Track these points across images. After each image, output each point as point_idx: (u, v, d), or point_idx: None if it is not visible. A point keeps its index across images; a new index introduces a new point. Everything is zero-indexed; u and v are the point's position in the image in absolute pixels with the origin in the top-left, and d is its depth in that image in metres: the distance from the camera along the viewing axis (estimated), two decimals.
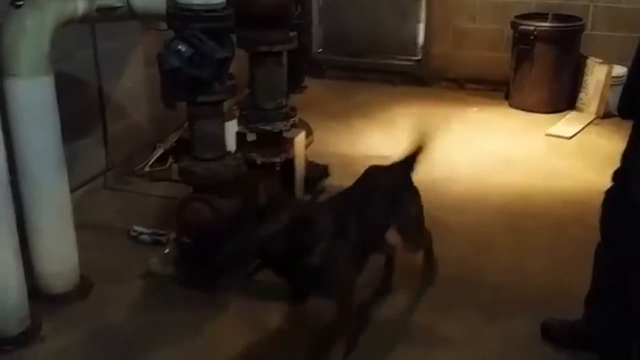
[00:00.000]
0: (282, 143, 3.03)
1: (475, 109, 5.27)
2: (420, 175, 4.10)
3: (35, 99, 2.47)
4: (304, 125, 3.52)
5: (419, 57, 5.83)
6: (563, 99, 5.15)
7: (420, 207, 2.74)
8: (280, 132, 3.00)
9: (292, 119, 2.96)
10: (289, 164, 3.10)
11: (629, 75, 2.16)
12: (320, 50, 6.05)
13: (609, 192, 2.28)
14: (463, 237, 3.35)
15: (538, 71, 5.07)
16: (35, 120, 2.50)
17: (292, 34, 2.92)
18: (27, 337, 2.53)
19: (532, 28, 4.97)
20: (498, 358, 2.51)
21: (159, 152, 4.03)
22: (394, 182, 2.66)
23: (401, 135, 4.59)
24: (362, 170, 3.78)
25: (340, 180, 3.77)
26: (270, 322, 2.65)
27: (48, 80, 2.49)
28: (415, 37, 5.86)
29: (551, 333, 2.54)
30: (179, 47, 2.32)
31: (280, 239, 2.01)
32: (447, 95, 5.53)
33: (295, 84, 5.51)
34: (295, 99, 5.22)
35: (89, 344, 2.58)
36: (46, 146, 2.56)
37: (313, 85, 5.74)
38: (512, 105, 5.27)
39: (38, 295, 2.70)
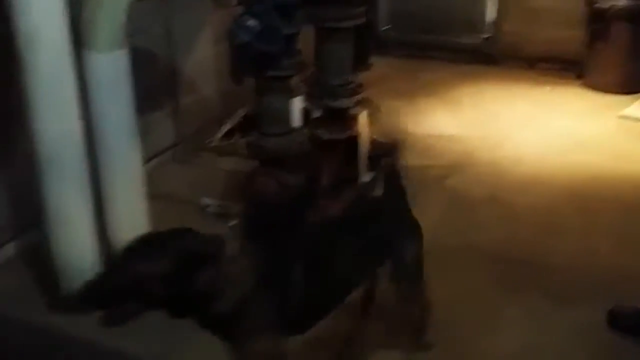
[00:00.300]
0: (347, 119, 3.05)
1: (548, 88, 5.13)
2: (487, 155, 4.09)
3: (111, 71, 2.57)
4: (369, 103, 3.51)
5: (488, 35, 5.70)
6: (638, 80, 4.95)
7: (419, 249, 2.21)
8: (346, 108, 3.01)
9: (357, 96, 2.96)
10: (354, 140, 3.12)
11: None
12: (386, 27, 5.99)
13: None
14: (529, 219, 3.31)
15: (612, 51, 4.88)
16: (110, 92, 2.60)
17: (359, 9, 2.92)
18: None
19: (607, 6, 4.80)
20: (561, 344, 2.47)
21: (226, 127, 4.12)
22: (377, 214, 2.16)
23: (467, 115, 4.62)
24: (426, 149, 3.78)
25: (405, 158, 3.78)
26: None
27: (123, 53, 2.58)
28: (484, 14, 5.72)
29: (619, 320, 2.48)
30: (249, 22, 2.37)
31: (163, 280, 1.61)
32: (516, 74, 5.39)
33: (361, 62, 5.48)
34: (360, 77, 5.24)
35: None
36: (121, 118, 2.66)
37: (378, 63, 5.65)
38: (584, 86, 5.11)
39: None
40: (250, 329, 1.76)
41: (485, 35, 5.71)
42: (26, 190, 2.66)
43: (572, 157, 3.97)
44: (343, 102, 2.94)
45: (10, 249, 2.94)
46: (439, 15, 5.83)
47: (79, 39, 2.48)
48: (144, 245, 1.71)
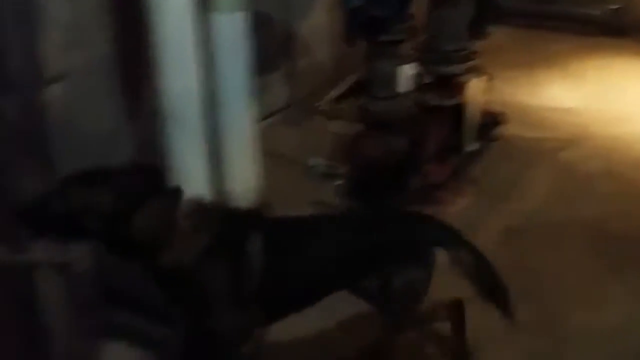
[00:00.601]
0: (457, 86, 3.04)
1: None
2: (606, 130, 3.92)
3: (231, 32, 2.69)
4: (482, 72, 3.47)
5: (617, 5, 5.38)
6: None
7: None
8: (457, 75, 3.00)
9: (470, 63, 2.94)
10: (463, 107, 3.11)
11: None
12: None
13: None
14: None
15: None
16: (230, 52, 2.73)
17: None
18: None
19: None
20: None
21: (337, 92, 4.20)
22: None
23: (588, 89, 4.43)
24: (541, 122, 3.67)
25: (515, 129, 3.71)
26: None
27: (244, 15, 2.71)
28: None
29: None
30: None
31: (101, 214, 1.49)
32: None
33: (477, 31, 5.37)
34: (475, 45, 5.14)
35: None
36: (239, 77, 2.80)
37: (496, 33, 5.50)
38: None
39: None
40: (199, 295, 1.60)
41: (615, 6, 5.40)
42: (149, 145, 2.87)
43: None
44: (454, 69, 2.93)
45: None
46: None
47: (203, 1, 2.63)
48: (89, 175, 1.57)
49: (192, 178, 2.77)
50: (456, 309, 2.05)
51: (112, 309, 2.32)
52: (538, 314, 2.45)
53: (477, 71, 3.22)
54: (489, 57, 4.77)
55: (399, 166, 2.78)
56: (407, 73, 3.00)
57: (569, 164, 3.52)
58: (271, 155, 3.51)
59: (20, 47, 1.86)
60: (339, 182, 3.22)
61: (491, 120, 3.50)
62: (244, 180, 3.03)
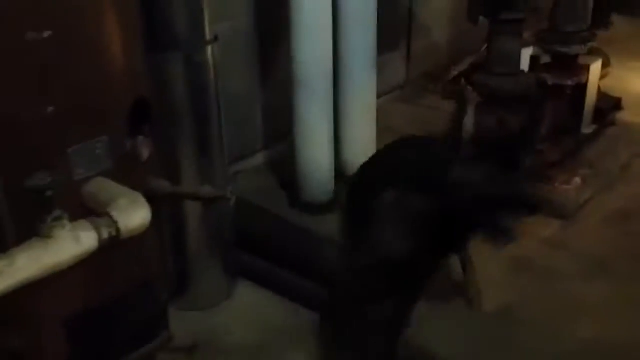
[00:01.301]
0: (576, 67, 3.09)
1: None
2: None
3: (361, 6, 2.91)
4: (602, 56, 3.49)
5: None
6: None
7: None
8: (576, 56, 3.06)
9: (589, 44, 2.99)
10: (581, 89, 3.15)
11: None
12: None
13: None
14: None
15: None
16: (358, 25, 2.95)
17: None
18: (330, 206, 3.07)
19: None
20: None
21: (454, 73, 4.31)
22: None
23: None
24: None
25: (633, 116, 3.70)
26: None
27: None
28: None
29: None
30: None
31: None
32: None
33: (601, 20, 5.29)
34: (599, 37, 5.06)
35: None
36: (365, 49, 3.01)
37: (621, 23, 5.42)
38: None
39: (340, 178, 3.23)
40: None
41: None
42: (277, 109, 3.13)
43: None
44: (573, 49, 2.98)
45: (260, 157, 3.48)
46: None
47: None
48: None
49: (317, 142, 3.02)
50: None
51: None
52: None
53: (596, 55, 3.25)
54: (612, 46, 4.75)
55: (514, 143, 2.87)
56: (525, 59, 3.09)
57: None
58: (386, 129, 3.71)
59: (185, 13, 2.15)
60: None
61: (608, 105, 3.52)
62: (361, 149, 3.24)
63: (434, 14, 4.18)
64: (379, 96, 3.83)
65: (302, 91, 2.91)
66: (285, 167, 3.22)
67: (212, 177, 2.26)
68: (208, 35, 2.21)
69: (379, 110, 3.75)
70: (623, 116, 3.65)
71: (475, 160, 1.72)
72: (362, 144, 3.23)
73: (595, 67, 3.20)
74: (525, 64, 3.22)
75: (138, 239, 1.61)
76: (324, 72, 2.88)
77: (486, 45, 3.06)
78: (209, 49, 2.20)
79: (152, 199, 1.64)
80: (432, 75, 4.31)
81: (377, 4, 3.04)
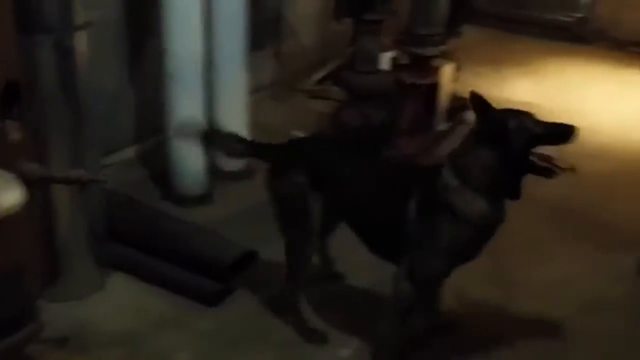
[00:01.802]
0: (430, 68, 3.37)
1: (636, 70, 5.23)
2: None
3: (231, 3, 3.01)
4: (454, 60, 3.82)
5: (581, 14, 5.81)
6: None
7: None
8: (429, 57, 3.34)
9: (441, 47, 3.28)
10: (434, 89, 3.44)
11: None
12: None
13: None
14: (593, 182, 3.54)
15: None
16: (229, 22, 3.05)
17: None
18: (203, 198, 3.14)
19: None
20: (593, 278, 2.77)
21: (321, 74, 4.51)
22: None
23: (549, 86, 4.81)
24: None
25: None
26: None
27: None
28: None
29: None
30: None
31: None
32: (605, 54, 5.51)
33: (452, 29, 5.74)
34: (450, 44, 5.49)
35: (250, 212, 3.12)
36: (235, 45, 3.13)
37: (470, 32, 5.89)
38: None
39: (215, 171, 3.30)
40: None
41: (579, 15, 5.82)
42: (148, 103, 3.14)
43: None
44: (426, 51, 3.25)
45: (132, 150, 3.46)
46: None
47: None
48: None
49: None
50: None
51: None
52: (494, 267, 2.81)
53: (448, 58, 3.56)
54: (462, 53, 5.18)
55: (374, 136, 3.08)
56: (387, 55, 3.34)
57: None
58: (257, 125, 3.82)
59: None
60: None
61: (460, 105, 3.85)
62: None
63: (302, 15, 4.35)
64: (250, 93, 3.96)
65: (173, 84, 2.95)
66: (157, 160, 3.23)
67: (83, 162, 2.24)
68: (78, 21, 2.20)
69: (250, 108, 3.86)
70: (472, 115, 4.00)
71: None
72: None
73: (447, 69, 3.50)
74: (386, 65, 3.46)
75: (6, 227, 1.60)
76: (195, 65, 2.94)
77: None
78: (79, 35, 2.19)
79: (24, 184, 1.64)
80: (301, 76, 4.48)
81: (247, 3, 3.15)
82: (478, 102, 2.04)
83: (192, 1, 2.81)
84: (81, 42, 2.26)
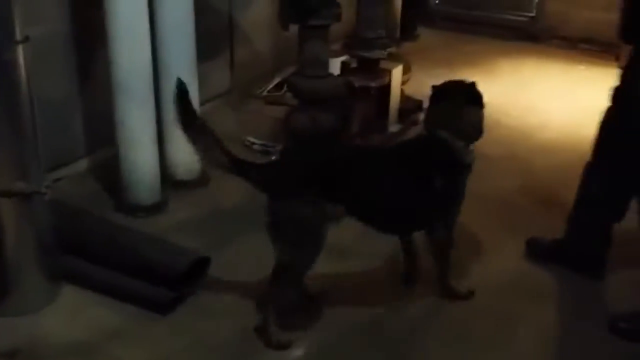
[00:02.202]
0: (379, 71, 3.43)
1: (582, 67, 5.36)
2: (513, 120, 4.39)
3: (177, 14, 3.03)
4: (403, 62, 3.89)
5: (532, 14, 5.94)
6: None
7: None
8: (378, 60, 3.39)
9: (389, 49, 3.34)
10: (384, 91, 3.50)
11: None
12: (436, 1, 6.29)
13: (607, 113, 2.54)
14: (542, 175, 3.68)
15: None
16: (176, 32, 3.06)
17: None
18: (157, 208, 3.14)
19: None
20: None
21: (276, 80, 4.54)
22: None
23: (501, 85, 4.91)
24: None
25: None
26: None
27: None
28: None
29: (533, 249, 2.90)
30: None
31: None
32: (556, 52, 5.63)
33: (408, 33, 5.84)
34: (406, 47, 5.59)
35: (205, 220, 3.16)
36: (183, 55, 3.13)
37: (426, 35, 6.03)
38: (620, 67, 5.30)
39: (167, 180, 3.31)
40: None
41: (530, 14, 5.95)
42: (99, 114, 3.14)
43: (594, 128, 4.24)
44: (374, 54, 3.31)
45: (84, 163, 3.45)
46: None
47: None
48: None
49: (141, 145, 3.07)
50: None
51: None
52: None
53: (398, 59, 3.63)
54: (416, 56, 5.27)
55: (325, 140, 3.12)
56: (336, 66, 3.38)
57: (478, 147, 3.94)
58: None
59: None
60: (274, 157, 3.56)
61: (412, 106, 3.92)
62: (186, 151, 3.33)
63: (255, 23, 4.38)
64: (203, 102, 3.97)
65: (122, 95, 2.96)
66: (110, 172, 3.23)
67: (27, 176, 2.24)
68: (18, 36, 2.20)
69: (204, 116, 3.88)
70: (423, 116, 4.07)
71: None
72: (187, 148, 3.31)
73: (396, 71, 3.56)
74: (337, 70, 3.51)
75: None
76: (144, 76, 2.95)
77: None
78: (19, 49, 2.20)
79: None
80: (257, 82, 4.51)
81: (198, 12, 3.17)
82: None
83: (137, 12, 2.82)
84: (23, 56, 2.25)
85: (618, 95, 2.52)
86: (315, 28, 2.97)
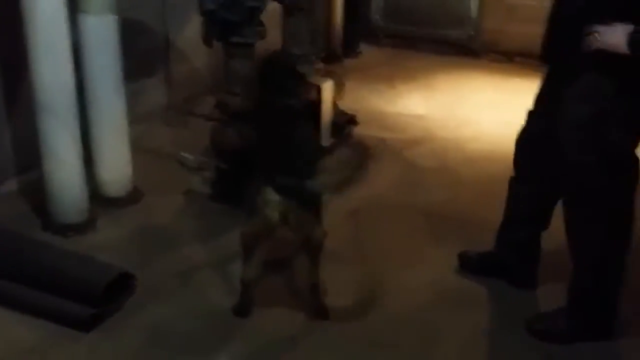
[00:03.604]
0: (309, 86, 3.49)
1: (518, 79, 5.52)
2: (448, 133, 4.50)
3: (101, 33, 3.05)
4: (337, 77, 3.96)
5: (470, 29, 6.09)
6: None
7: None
8: (304, 76, 3.44)
9: (315, 66, 3.41)
10: (315, 106, 3.56)
11: (549, 19, 2.43)
12: (378, 18, 6.40)
13: (523, 131, 2.64)
14: (470, 186, 3.75)
15: None
16: (100, 51, 3.08)
17: None
18: (85, 226, 3.13)
19: None
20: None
21: (214, 97, 4.57)
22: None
23: (439, 99, 5.03)
24: (393, 125, 4.24)
25: (368, 130, 4.23)
26: None
27: (113, 18, 3.06)
28: (468, 10, 6.10)
29: (464, 262, 2.95)
30: None
31: None
32: (493, 66, 5.80)
33: (350, 50, 5.95)
34: (348, 63, 5.70)
35: (134, 237, 3.16)
36: (108, 74, 3.14)
37: (368, 52, 6.15)
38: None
39: (97, 198, 3.30)
40: None
41: (468, 30, 6.10)
42: (29, 135, 3.12)
43: None
44: (300, 69, 3.36)
45: (13, 184, 3.43)
46: (428, 9, 6.22)
47: (74, 3, 2.96)
48: None
49: (66, 165, 3.07)
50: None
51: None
52: (367, 272, 2.93)
53: (328, 75, 3.70)
54: (358, 72, 5.38)
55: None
56: None
57: (411, 159, 4.06)
58: (147, 150, 3.85)
59: None
60: (207, 173, 3.58)
61: (345, 121, 3.99)
62: (115, 169, 3.36)
63: (190, 41, 4.40)
64: (139, 120, 3.99)
65: (45, 116, 2.95)
66: (39, 192, 3.21)
67: None
68: None
69: (141, 134, 3.90)
70: (358, 130, 4.15)
71: None
72: (116, 165, 3.35)
73: (326, 86, 3.62)
74: None
75: None
76: (66, 96, 2.94)
77: None
78: None
79: None
80: (194, 99, 4.54)
81: (133, 32, 3.19)
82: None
83: (56, 31, 2.83)
84: None
85: (533, 117, 2.61)
86: (239, 46, 3.02)
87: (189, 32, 4.37)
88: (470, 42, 6.07)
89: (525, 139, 2.65)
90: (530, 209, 2.69)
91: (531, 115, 2.62)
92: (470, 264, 2.92)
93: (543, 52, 2.46)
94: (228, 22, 2.89)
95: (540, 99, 2.59)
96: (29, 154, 3.28)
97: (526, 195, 2.67)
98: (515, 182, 2.74)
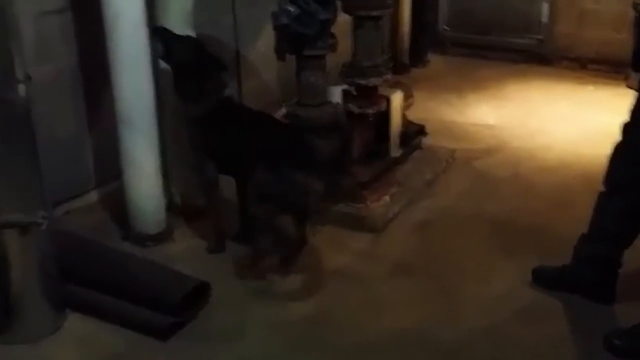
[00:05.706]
0: (376, 97, 3.50)
1: (591, 87, 5.37)
2: (520, 142, 4.41)
3: None
4: (406, 88, 3.95)
5: (541, 36, 5.96)
6: None
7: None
8: (375, 87, 3.46)
9: (385, 76, 3.41)
10: (383, 117, 3.56)
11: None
12: (445, 27, 6.35)
13: (620, 144, 2.54)
14: (543, 195, 3.68)
15: None
16: None
17: (388, 1, 3.40)
18: (163, 237, 3.23)
19: None
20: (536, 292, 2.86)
21: (284, 110, 4.63)
22: None
23: (510, 109, 4.94)
24: (464, 135, 4.19)
25: (436, 140, 4.19)
26: None
27: (191, 33, 3.15)
28: (539, 15, 5.96)
29: (540, 278, 2.86)
30: (289, 7, 2.87)
31: None
32: (566, 74, 5.64)
33: (418, 59, 5.92)
34: (416, 73, 5.67)
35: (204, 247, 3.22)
36: None
37: (435, 61, 6.09)
38: (630, 87, 5.28)
39: (174, 209, 3.40)
40: None
41: (539, 36, 5.97)
42: (109, 147, 3.25)
43: (600, 148, 4.21)
44: (370, 81, 3.38)
45: (94, 195, 3.57)
46: (497, 16, 6.12)
47: (154, 18, 3.07)
48: None
49: (145, 176, 3.17)
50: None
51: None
52: (440, 285, 2.90)
53: (397, 86, 3.69)
54: (426, 82, 5.34)
55: (325, 166, 3.17)
56: (337, 94, 3.46)
57: (482, 170, 4.00)
58: None
59: None
60: None
61: (414, 131, 3.97)
62: (192, 181, 3.44)
63: (261, 55, 4.49)
64: None
65: (126, 128, 3.07)
66: (119, 203, 3.33)
67: (28, 208, 2.34)
68: (19, 75, 2.33)
69: None
70: (427, 140, 4.12)
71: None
72: (192, 176, 3.42)
73: (395, 97, 3.62)
74: (338, 98, 3.57)
75: None
76: (147, 108, 3.06)
77: None
78: (20, 87, 2.31)
79: None
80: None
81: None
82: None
83: (137, 47, 2.94)
84: (26, 94, 2.37)
85: (628, 130, 2.53)
86: (311, 58, 3.06)
87: (260, 46, 4.46)
88: (540, 49, 5.94)
89: (622, 152, 2.56)
90: (619, 226, 2.60)
91: (627, 127, 2.53)
92: (545, 279, 2.85)
93: (634, 61, 2.38)
94: (301, 36, 2.93)
95: (636, 110, 2.49)
96: (109, 167, 3.41)
97: (617, 211, 2.58)
98: (606, 198, 2.65)
